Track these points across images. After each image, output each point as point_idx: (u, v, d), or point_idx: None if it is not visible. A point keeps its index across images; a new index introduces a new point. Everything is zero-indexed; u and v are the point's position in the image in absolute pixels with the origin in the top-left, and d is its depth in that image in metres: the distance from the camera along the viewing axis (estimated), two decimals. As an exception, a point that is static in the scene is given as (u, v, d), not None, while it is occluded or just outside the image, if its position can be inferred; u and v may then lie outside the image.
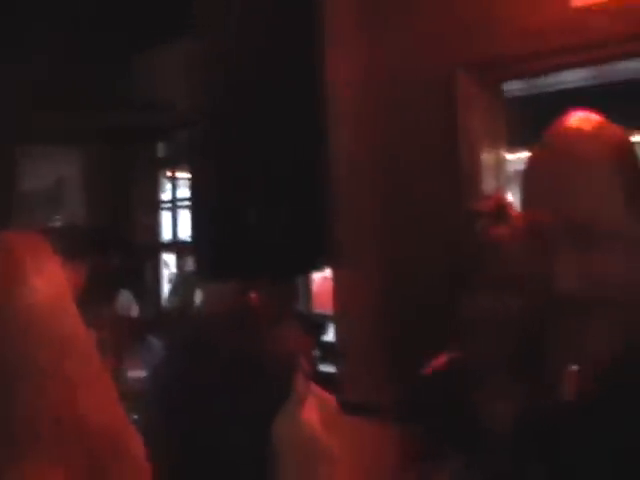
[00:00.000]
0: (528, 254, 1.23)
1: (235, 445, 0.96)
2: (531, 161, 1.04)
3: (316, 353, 3.61)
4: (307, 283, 4.83)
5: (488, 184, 2.46)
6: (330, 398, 1.08)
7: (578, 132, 0.99)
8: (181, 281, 5.41)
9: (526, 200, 1.05)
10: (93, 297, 3.29)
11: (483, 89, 2.30)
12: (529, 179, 1.04)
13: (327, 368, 3.07)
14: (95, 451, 0.97)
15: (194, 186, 2.25)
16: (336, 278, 2.59)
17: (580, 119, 1.00)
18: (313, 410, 1.05)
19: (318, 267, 2.10)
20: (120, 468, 1.01)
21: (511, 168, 3.18)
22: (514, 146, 2.64)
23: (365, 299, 2.48)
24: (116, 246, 4.74)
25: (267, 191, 1.93)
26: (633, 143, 1.02)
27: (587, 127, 0.99)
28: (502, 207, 1.36)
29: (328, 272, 3.31)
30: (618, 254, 0.94)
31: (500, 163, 2.51)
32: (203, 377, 1.01)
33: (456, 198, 2.27)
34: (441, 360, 1.45)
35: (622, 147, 0.99)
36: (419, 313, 2.18)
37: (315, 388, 1.11)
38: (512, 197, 2.49)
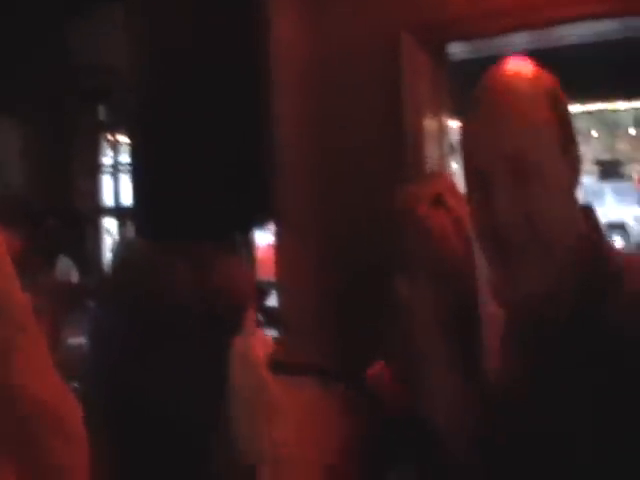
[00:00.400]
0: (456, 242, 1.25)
1: (185, 396, 0.93)
2: (472, 102, 1.09)
3: (259, 318, 3.62)
4: (250, 251, 4.82)
5: (432, 151, 2.46)
6: (271, 344, 1.06)
7: (516, 75, 1.05)
8: (123, 248, 5.32)
9: (466, 140, 1.09)
10: (31, 264, 3.23)
11: (427, 52, 2.29)
12: (470, 119, 1.09)
13: (270, 333, 3.09)
14: (28, 421, 0.93)
15: (132, 149, 2.19)
16: (278, 244, 2.58)
17: (518, 64, 1.07)
18: (261, 350, 1.04)
19: (259, 224, 2.07)
20: (55, 439, 0.98)
21: (455, 135, 3.20)
22: (458, 112, 2.70)
23: (307, 264, 2.48)
24: (54, 214, 4.63)
25: (207, 151, 1.90)
26: (563, 93, 1.06)
27: (525, 71, 1.06)
28: (440, 194, 1.35)
29: (271, 240, 3.32)
30: (550, 195, 1.01)
31: (443, 130, 2.51)
32: (147, 327, 0.97)
33: (400, 163, 2.28)
34: (377, 368, 1.45)
35: (556, 93, 1.06)
36: (359, 280, 2.18)
37: (260, 331, 1.09)
38: (456, 165, 2.51)
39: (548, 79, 1.07)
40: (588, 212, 1.10)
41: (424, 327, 1.26)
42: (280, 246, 2.59)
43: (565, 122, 1.05)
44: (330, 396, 1.64)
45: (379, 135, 2.31)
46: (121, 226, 5.64)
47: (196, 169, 1.88)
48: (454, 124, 2.99)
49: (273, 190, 2.06)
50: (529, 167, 1.00)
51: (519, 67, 1.07)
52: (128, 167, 5.44)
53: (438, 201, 1.35)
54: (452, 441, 1.22)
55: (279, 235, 2.56)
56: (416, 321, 1.27)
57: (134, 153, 2.15)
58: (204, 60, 1.92)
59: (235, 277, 1.01)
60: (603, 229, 1.11)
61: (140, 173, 2.13)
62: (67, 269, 4.44)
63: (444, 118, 2.50)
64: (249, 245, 3.31)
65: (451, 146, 2.72)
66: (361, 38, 2.33)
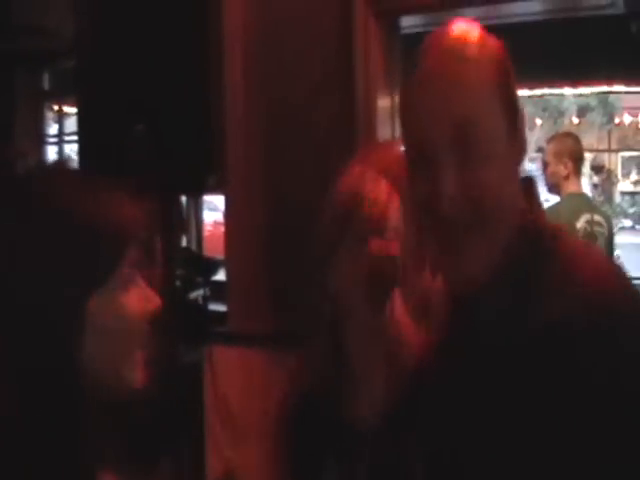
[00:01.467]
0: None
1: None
2: (414, 67, 1.00)
3: (207, 292, 3.61)
4: (199, 229, 4.76)
5: (383, 130, 2.42)
6: (157, 300, 0.95)
7: (463, 39, 0.97)
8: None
9: (407, 107, 1.00)
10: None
11: (381, 21, 2.27)
12: (411, 84, 1.00)
13: (218, 307, 3.08)
14: None
15: (79, 113, 2.14)
16: (227, 215, 2.55)
17: (465, 27, 0.98)
18: (135, 300, 0.94)
19: (207, 186, 2.05)
20: None
21: None
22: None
23: (255, 235, 2.46)
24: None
25: (155, 114, 1.86)
26: (509, 59, 1.00)
27: (472, 35, 0.97)
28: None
29: (219, 218, 3.26)
30: (496, 170, 0.94)
31: (396, 106, 2.51)
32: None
33: (352, 136, 2.25)
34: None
35: (504, 63, 0.99)
36: (306, 249, 2.18)
37: (142, 282, 0.97)
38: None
39: (496, 46, 0.99)
40: (528, 184, 1.03)
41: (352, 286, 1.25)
42: (228, 217, 2.57)
43: (512, 94, 0.98)
44: (278, 366, 1.64)
45: (330, 105, 2.28)
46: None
47: (145, 131, 1.84)
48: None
49: (221, 154, 2.04)
50: (476, 139, 0.93)
51: (466, 30, 0.97)
52: (75, 134, 5.34)
53: (383, 173, 1.28)
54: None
55: (227, 206, 2.54)
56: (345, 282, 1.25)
57: (80, 117, 2.09)
58: (157, 24, 1.88)
59: (121, 211, 0.92)
60: (541, 205, 1.05)
61: (87, 138, 2.07)
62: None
63: (396, 94, 2.50)
64: (198, 209, 3.28)
65: None
66: (315, 3, 2.29)
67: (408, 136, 0.99)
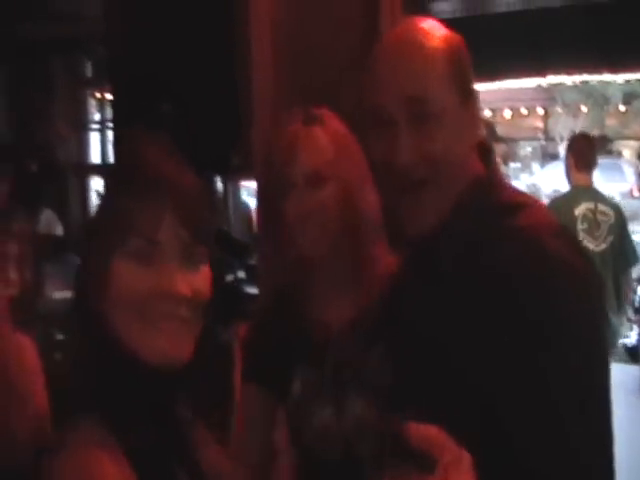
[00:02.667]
0: (340, 152, 1.33)
1: None
2: (375, 50, 1.15)
3: (241, 275, 3.70)
4: (241, 212, 4.87)
5: None
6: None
7: (422, 28, 1.13)
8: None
9: (369, 77, 1.13)
10: (12, 211, 3.26)
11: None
12: (374, 58, 1.14)
13: (252, 290, 3.14)
14: None
15: (115, 100, 2.21)
16: (258, 200, 2.61)
17: (426, 21, 1.14)
18: None
19: (236, 168, 2.11)
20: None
21: None
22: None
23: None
24: (37, 163, 4.63)
25: (184, 97, 1.93)
26: (464, 44, 1.15)
27: (430, 26, 1.13)
28: (317, 112, 1.43)
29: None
30: (448, 138, 1.08)
31: None
32: None
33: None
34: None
35: (458, 51, 1.13)
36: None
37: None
38: None
39: (452, 38, 1.13)
40: (485, 151, 1.17)
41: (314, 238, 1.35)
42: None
43: (464, 78, 1.12)
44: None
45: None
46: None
47: (172, 112, 1.91)
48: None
49: (248, 137, 2.10)
50: (429, 109, 1.07)
51: (426, 23, 1.13)
52: (111, 118, 5.48)
53: (315, 116, 1.41)
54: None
55: (258, 190, 2.59)
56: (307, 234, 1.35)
57: (116, 103, 2.17)
58: (181, 4, 1.94)
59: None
60: (498, 170, 1.20)
61: (122, 122, 2.15)
62: (51, 222, 4.47)
63: None
64: (235, 192, 3.36)
65: None
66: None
67: (368, 101, 1.13)
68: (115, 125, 2.22)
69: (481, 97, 1.23)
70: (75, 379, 0.93)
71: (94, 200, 5.80)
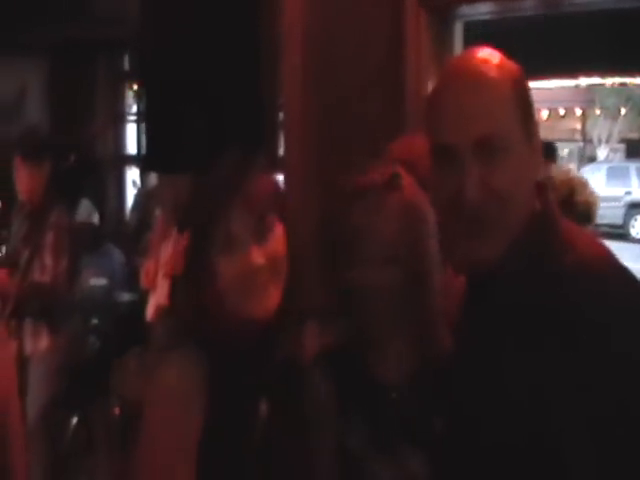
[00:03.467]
0: (407, 228, 1.34)
1: None
2: (438, 86, 1.16)
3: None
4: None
5: None
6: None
7: (483, 59, 1.13)
8: (143, 195, 5.47)
9: (432, 114, 1.14)
10: (52, 201, 3.39)
11: (432, 13, 2.33)
12: (438, 94, 1.14)
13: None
14: None
15: (147, 92, 2.31)
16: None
17: (485, 51, 1.14)
18: None
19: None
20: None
21: None
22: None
23: (306, 222, 2.57)
24: (76, 154, 4.78)
25: (214, 98, 2.03)
26: (527, 82, 1.15)
27: (491, 57, 1.13)
28: (396, 175, 1.37)
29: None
30: (514, 174, 1.09)
31: None
32: None
33: (402, 127, 2.34)
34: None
35: (521, 81, 1.13)
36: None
37: None
38: None
39: (513, 67, 1.13)
40: (542, 188, 1.16)
41: (376, 310, 1.35)
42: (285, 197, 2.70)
43: (528, 109, 1.12)
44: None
45: (382, 96, 2.37)
46: (143, 175, 5.79)
47: (214, 114, 2.01)
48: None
49: (278, 141, 2.19)
50: (496, 145, 1.07)
51: (486, 53, 1.13)
52: (144, 111, 5.60)
53: (392, 183, 1.37)
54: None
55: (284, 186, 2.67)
56: (369, 305, 1.35)
57: (149, 98, 2.27)
58: (215, 15, 2.03)
59: None
60: (555, 205, 1.17)
61: (154, 117, 2.25)
62: (89, 212, 4.61)
63: None
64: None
65: None
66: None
67: (435, 136, 1.14)
68: (146, 120, 2.32)
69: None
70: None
71: (130, 190, 5.95)
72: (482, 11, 2.51)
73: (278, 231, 1.27)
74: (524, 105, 1.12)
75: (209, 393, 1.22)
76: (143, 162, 2.26)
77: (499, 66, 1.11)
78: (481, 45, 1.17)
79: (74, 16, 4.68)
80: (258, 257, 1.23)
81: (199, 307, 1.27)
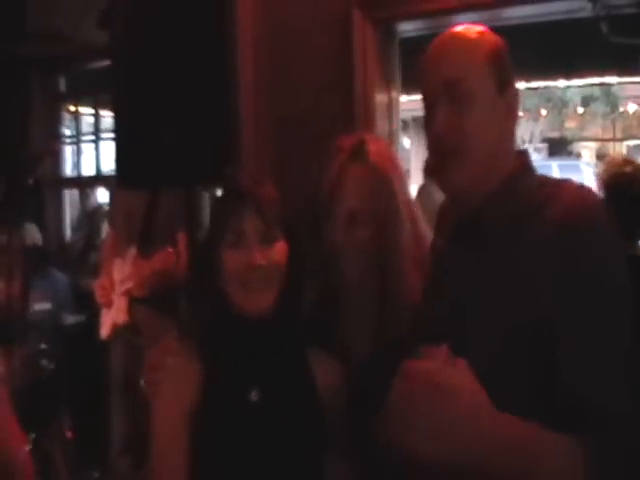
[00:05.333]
0: (378, 192, 1.49)
1: None
2: (428, 47, 1.33)
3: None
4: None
5: (382, 125, 2.59)
6: None
7: (465, 28, 1.32)
8: (84, 216, 5.42)
9: (419, 74, 1.33)
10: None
11: (377, 28, 2.45)
12: (424, 58, 1.33)
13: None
14: None
15: (115, 114, 2.34)
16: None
17: (469, 25, 1.33)
18: None
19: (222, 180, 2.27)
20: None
21: (405, 110, 3.32)
22: (407, 88, 2.84)
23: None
24: (16, 172, 4.69)
25: (179, 114, 2.09)
26: (507, 51, 1.31)
27: (473, 27, 1.32)
28: (361, 144, 1.58)
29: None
30: (482, 119, 1.25)
31: (393, 104, 2.64)
32: None
33: (351, 131, 2.43)
34: None
35: (498, 47, 1.30)
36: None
37: None
38: (407, 140, 2.65)
39: (493, 37, 1.31)
40: (522, 155, 1.33)
41: (347, 267, 1.53)
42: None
43: (503, 70, 1.28)
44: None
45: (332, 105, 2.46)
46: (82, 195, 5.73)
47: (171, 129, 2.07)
48: (405, 99, 3.14)
49: (237, 150, 2.25)
50: (464, 92, 1.24)
51: (469, 26, 1.33)
52: (90, 137, 5.56)
53: (358, 151, 1.57)
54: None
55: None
56: (340, 263, 1.53)
57: (116, 118, 2.30)
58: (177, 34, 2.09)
59: None
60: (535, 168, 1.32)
61: (122, 131, 2.28)
62: (33, 235, 4.55)
63: (394, 93, 2.62)
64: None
65: (402, 121, 2.87)
66: (314, 11, 2.46)
67: (421, 90, 1.33)
68: (117, 138, 2.35)
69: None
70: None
71: (68, 212, 5.88)
72: (420, 27, 2.62)
73: (282, 245, 1.42)
74: (499, 65, 1.28)
75: (204, 378, 1.37)
76: (117, 179, 2.28)
77: (477, 32, 1.30)
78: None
79: (8, 32, 4.60)
80: (260, 257, 1.37)
81: (204, 298, 1.42)
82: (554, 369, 1.10)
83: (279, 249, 1.41)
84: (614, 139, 18.16)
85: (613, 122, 17.75)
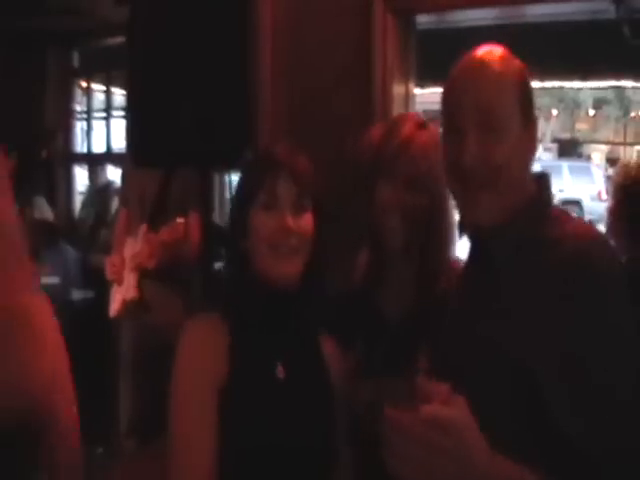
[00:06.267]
0: (438, 164, 1.51)
1: None
2: (449, 77, 1.32)
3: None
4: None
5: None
6: None
7: (491, 52, 1.30)
8: (94, 193, 5.44)
9: (446, 94, 1.33)
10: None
11: (397, 19, 2.46)
12: (451, 79, 1.32)
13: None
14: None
15: (130, 92, 2.35)
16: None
17: (492, 47, 1.32)
18: None
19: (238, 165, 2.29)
20: (22, 334, 1.22)
21: (422, 104, 3.33)
22: (423, 81, 2.84)
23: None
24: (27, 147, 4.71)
25: (196, 95, 2.10)
26: (529, 77, 1.32)
27: (498, 51, 1.31)
28: (423, 120, 1.67)
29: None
30: (509, 150, 1.25)
31: (410, 96, 2.64)
32: None
33: (369, 124, 2.45)
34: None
35: (523, 75, 1.31)
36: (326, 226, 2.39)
37: None
38: None
39: (517, 62, 1.31)
40: (543, 178, 1.33)
41: (396, 226, 1.58)
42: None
43: (528, 104, 1.29)
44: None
45: (350, 93, 2.47)
46: (92, 172, 5.75)
47: (187, 109, 2.08)
48: (420, 91, 3.15)
49: (254, 133, 2.26)
50: (495, 121, 1.23)
51: (493, 48, 1.31)
52: (102, 114, 5.58)
53: (424, 123, 1.63)
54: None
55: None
56: (390, 224, 1.58)
57: (131, 96, 2.30)
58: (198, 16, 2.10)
59: None
60: (553, 196, 1.34)
61: (135, 107, 2.28)
62: (43, 209, 4.57)
63: (411, 84, 2.62)
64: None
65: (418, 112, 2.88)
66: (337, 1, 2.48)
67: (445, 111, 1.33)
68: (129, 116, 2.36)
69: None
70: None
71: (79, 188, 5.90)
72: (440, 20, 2.63)
73: (310, 216, 1.42)
74: (524, 96, 1.28)
75: (231, 352, 1.36)
76: (132, 156, 2.29)
77: (503, 59, 1.29)
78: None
79: (24, 7, 4.60)
80: (292, 223, 1.38)
81: (234, 261, 1.43)
82: (553, 412, 1.10)
83: (309, 219, 1.42)
84: (625, 143, 18.11)
85: (625, 126, 17.70)
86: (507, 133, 1.24)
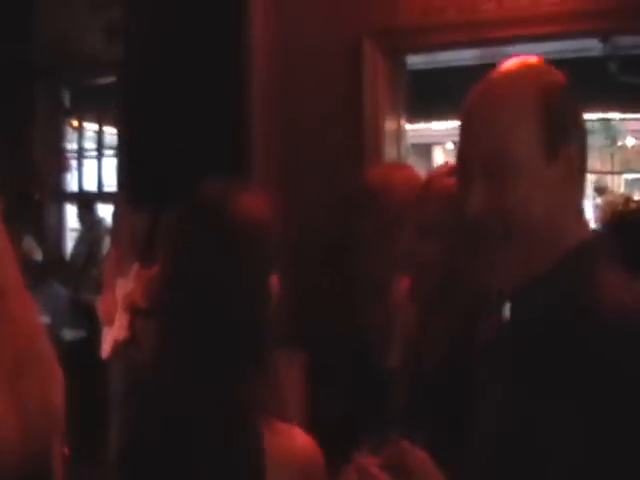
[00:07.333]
0: (450, 206, 1.40)
1: None
2: (466, 100, 1.10)
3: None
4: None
5: (389, 152, 2.61)
6: None
7: (508, 74, 1.06)
8: (85, 231, 5.41)
9: (459, 131, 1.11)
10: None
11: (387, 59, 2.48)
12: (462, 111, 1.09)
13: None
14: (20, 352, 1.11)
15: (120, 130, 2.36)
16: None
17: (514, 61, 1.07)
18: None
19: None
20: (37, 368, 1.19)
21: (410, 138, 3.36)
22: (413, 117, 2.86)
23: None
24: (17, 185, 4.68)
25: (187, 133, 2.10)
26: (565, 86, 1.06)
27: (514, 68, 1.06)
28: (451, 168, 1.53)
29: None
30: (531, 193, 1.00)
31: (400, 132, 2.67)
32: None
33: (360, 157, 2.47)
34: None
35: (552, 95, 1.03)
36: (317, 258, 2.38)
37: None
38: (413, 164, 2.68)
39: (543, 80, 1.04)
40: (595, 239, 1.07)
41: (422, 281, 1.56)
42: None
43: (556, 130, 1.02)
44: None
45: (340, 129, 2.50)
46: (83, 210, 5.72)
47: (179, 147, 2.08)
48: (411, 127, 3.17)
49: (245, 171, 2.27)
50: (504, 166, 1.00)
51: (516, 64, 1.06)
52: (93, 152, 5.58)
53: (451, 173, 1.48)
54: None
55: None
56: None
57: (121, 134, 2.31)
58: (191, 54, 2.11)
59: None
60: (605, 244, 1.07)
61: (129, 148, 2.29)
62: (31, 247, 4.54)
63: (402, 121, 2.63)
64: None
65: (408, 147, 2.91)
66: (327, 39, 2.50)
67: (457, 154, 1.12)
68: (121, 153, 2.36)
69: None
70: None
71: (70, 226, 5.87)
72: (431, 61, 2.66)
73: None
74: (550, 124, 1.01)
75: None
76: (121, 195, 2.28)
77: (523, 78, 1.05)
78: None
79: (14, 36, 4.59)
80: None
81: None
82: None
83: None
84: (612, 172, 18.22)
85: (612, 155, 17.82)
86: (521, 174, 1.00)
